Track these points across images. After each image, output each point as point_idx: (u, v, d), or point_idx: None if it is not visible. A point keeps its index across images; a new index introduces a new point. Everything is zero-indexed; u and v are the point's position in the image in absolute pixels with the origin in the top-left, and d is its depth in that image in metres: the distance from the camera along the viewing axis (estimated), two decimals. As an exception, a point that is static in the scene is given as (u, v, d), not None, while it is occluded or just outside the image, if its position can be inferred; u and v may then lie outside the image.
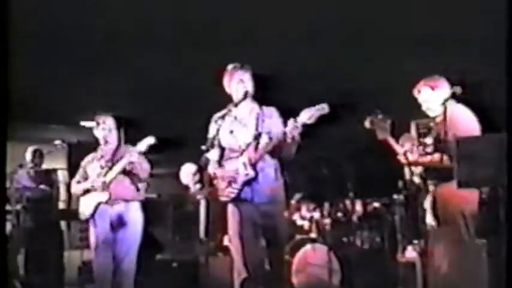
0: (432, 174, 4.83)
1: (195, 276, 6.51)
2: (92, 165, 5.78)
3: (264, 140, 4.74)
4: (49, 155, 7.52)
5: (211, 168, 4.91)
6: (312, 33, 5.87)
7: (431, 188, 4.89)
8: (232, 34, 5.88)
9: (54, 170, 8.01)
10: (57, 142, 6.66)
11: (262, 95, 4.96)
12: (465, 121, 4.82)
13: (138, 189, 5.77)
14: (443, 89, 4.96)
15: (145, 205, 5.94)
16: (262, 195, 4.74)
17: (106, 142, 5.78)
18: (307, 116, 4.44)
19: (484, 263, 5.35)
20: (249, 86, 4.88)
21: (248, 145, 4.80)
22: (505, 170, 4.11)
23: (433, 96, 4.97)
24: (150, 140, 5.50)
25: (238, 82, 4.87)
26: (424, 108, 5.03)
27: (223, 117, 4.84)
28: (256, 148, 4.75)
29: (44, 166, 7.84)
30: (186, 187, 7.83)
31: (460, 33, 5.78)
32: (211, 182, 4.95)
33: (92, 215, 5.63)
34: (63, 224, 8.38)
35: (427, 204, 4.93)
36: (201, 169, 5.30)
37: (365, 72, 6.84)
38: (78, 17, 5.36)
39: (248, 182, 4.75)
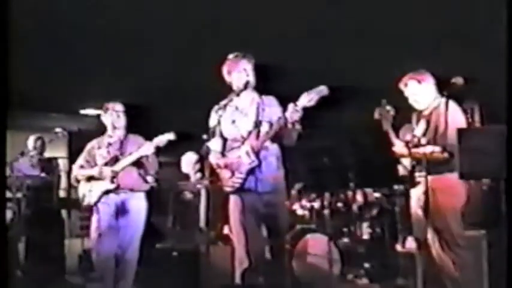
0: (424, 167, 4.82)
1: (195, 265, 6.49)
2: (99, 151, 5.75)
3: (264, 127, 4.74)
4: (50, 143, 7.51)
5: (214, 159, 4.88)
6: (315, 28, 5.86)
7: (421, 180, 4.90)
8: (233, 27, 5.87)
9: (55, 159, 8.01)
10: (58, 130, 6.64)
11: (263, 86, 4.96)
12: (461, 117, 4.89)
13: (146, 181, 5.77)
14: (429, 82, 5.05)
15: (147, 194, 5.94)
16: (265, 184, 4.73)
17: (114, 128, 5.77)
18: (307, 99, 4.45)
19: (484, 254, 5.37)
20: (251, 75, 4.88)
21: (249, 133, 4.80)
22: (505, 162, 4.11)
23: (420, 89, 5.06)
24: (170, 136, 5.48)
25: (240, 71, 4.86)
26: (411, 101, 5.12)
27: (224, 107, 4.83)
28: (257, 136, 4.75)
29: (46, 154, 7.84)
30: (187, 176, 7.88)
31: (459, 30, 5.78)
32: (213, 172, 4.92)
33: (96, 203, 5.63)
34: (63, 212, 8.38)
35: (415, 196, 4.98)
36: (202, 158, 5.30)
37: (367, 65, 6.84)
38: (80, 8, 5.35)
39: (252, 171, 4.73)
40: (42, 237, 7.38)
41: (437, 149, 4.76)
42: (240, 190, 4.77)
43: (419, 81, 5.05)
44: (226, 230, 6.77)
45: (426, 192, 4.65)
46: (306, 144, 5.17)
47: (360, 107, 5.03)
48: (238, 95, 4.82)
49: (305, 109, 4.50)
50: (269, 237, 4.93)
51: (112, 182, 5.55)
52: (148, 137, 5.65)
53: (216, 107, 4.87)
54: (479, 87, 5.79)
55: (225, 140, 4.94)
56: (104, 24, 5.71)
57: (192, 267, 6.55)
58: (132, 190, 5.69)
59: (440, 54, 6.27)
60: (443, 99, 4.87)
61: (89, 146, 5.88)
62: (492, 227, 5.58)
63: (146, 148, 5.49)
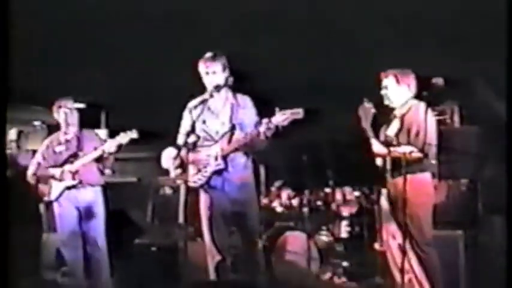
0: (399, 167, 4.84)
1: (174, 260, 6.50)
2: (58, 148, 5.78)
3: (237, 134, 4.93)
4: (28, 135, 7.47)
5: (183, 153, 5.07)
6: (297, 27, 5.87)
7: (390, 180, 4.94)
8: (212, 25, 5.86)
9: (34, 151, 7.94)
10: (37, 123, 6.63)
11: (240, 85, 5.00)
12: (432, 117, 4.92)
13: (102, 173, 5.81)
14: (408, 86, 5.03)
15: (125, 189, 5.96)
16: (232, 183, 4.97)
17: (68, 125, 5.79)
18: (282, 118, 4.62)
19: (460, 254, 5.40)
20: (220, 78, 4.97)
21: (222, 136, 4.98)
22: (483, 163, 4.16)
23: (395, 88, 5.06)
24: (133, 134, 5.50)
25: (210, 73, 4.97)
26: (382, 93, 5.12)
27: (197, 106, 5.00)
28: (229, 140, 4.94)
29: (24, 147, 7.78)
30: (167, 171, 7.85)
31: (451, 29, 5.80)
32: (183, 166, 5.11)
33: (57, 198, 5.68)
34: (41, 206, 8.31)
35: (383, 196, 5.01)
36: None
37: (349, 64, 6.84)
38: (66, 4, 5.32)
39: (218, 172, 4.96)
40: (20, 231, 7.32)
41: (415, 149, 4.78)
42: (204, 187, 5.00)
43: (398, 81, 5.04)
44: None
45: (404, 192, 4.68)
46: (286, 141, 5.20)
47: (340, 105, 5.03)
48: (211, 95, 4.95)
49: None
50: (240, 234, 5.15)
51: (73, 178, 5.60)
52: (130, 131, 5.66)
53: (190, 105, 4.97)
54: (460, 88, 5.81)
55: (198, 137, 5.08)
56: (86, 19, 5.68)
57: (171, 262, 6.55)
58: (91, 185, 5.76)
59: (423, 53, 6.27)
60: (417, 102, 4.90)
61: (45, 142, 5.94)
62: (469, 227, 5.62)
63: (109, 145, 5.53)
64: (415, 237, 4.83)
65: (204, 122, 5.06)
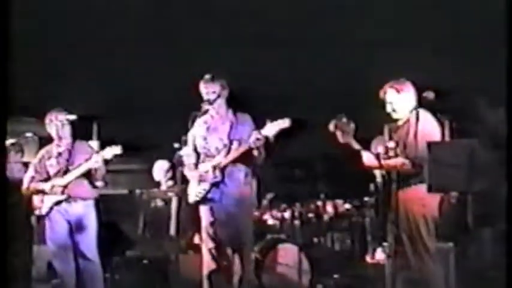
0: (394, 178, 4.87)
1: (165, 273, 6.49)
2: (49, 162, 5.77)
3: (234, 146, 5.21)
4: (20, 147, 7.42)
5: (187, 169, 5.37)
6: (289, 38, 5.90)
7: (400, 192, 4.94)
8: (202, 39, 5.90)
9: (25, 164, 7.92)
10: (28, 135, 6.61)
11: (237, 101, 5.32)
12: (432, 129, 4.91)
13: (94, 186, 5.79)
14: (409, 92, 5.03)
15: (116, 201, 5.95)
16: (229, 197, 5.23)
17: (60, 138, 5.78)
18: (270, 129, 4.95)
19: (451, 267, 5.42)
20: (219, 102, 5.29)
21: (220, 151, 5.28)
22: (472, 176, 4.18)
23: (398, 99, 5.04)
24: (116, 150, 5.51)
25: (212, 93, 5.25)
26: (389, 109, 5.10)
27: (197, 122, 5.32)
28: (227, 153, 5.22)
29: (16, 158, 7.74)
30: (158, 183, 7.85)
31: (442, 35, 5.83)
32: (185, 179, 5.41)
33: (48, 213, 5.67)
34: (33, 218, 8.28)
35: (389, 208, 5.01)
36: (174, 166, 5.55)
37: (340, 74, 6.88)
38: (57, 16, 5.33)
39: (216, 184, 5.23)
40: (11, 243, 7.29)
41: (407, 161, 4.80)
42: (204, 200, 5.29)
43: (397, 91, 5.03)
44: (196, 239, 6.79)
45: (396, 204, 4.71)
46: (278, 154, 5.27)
47: (332, 118, 5.05)
48: (205, 111, 5.32)
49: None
50: (232, 247, 5.36)
51: (62, 193, 5.59)
52: (122, 143, 5.67)
53: (192, 118, 5.09)
54: (451, 101, 5.85)
55: (198, 153, 5.41)
56: (78, 30, 5.70)
57: (162, 275, 6.54)
58: (83, 199, 5.73)
59: (417, 62, 6.30)
60: (415, 110, 4.92)
61: (38, 155, 5.92)
62: (459, 240, 5.64)
63: (94, 161, 5.53)
64: (417, 248, 4.83)
65: (205, 139, 5.37)
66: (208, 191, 5.28)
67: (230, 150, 5.21)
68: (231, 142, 5.24)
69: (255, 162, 5.29)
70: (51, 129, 5.82)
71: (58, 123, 5.77)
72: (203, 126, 5.40)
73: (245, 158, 5.19)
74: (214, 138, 5.35)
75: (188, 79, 5.32)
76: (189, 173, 5.38)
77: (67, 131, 5.83)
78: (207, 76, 5.31)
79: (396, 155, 4.85)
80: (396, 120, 5.09)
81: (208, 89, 5.27)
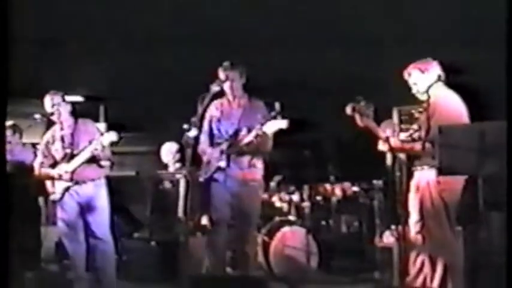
0: (415, 161, 4.85)
1: (173, 254, 6.50)
2: (54, 146, 5.75)
3: (243, 132, 5.34)
4: (28, 129, 7.42)
5: (200, 148, 5.53)
6: (298, 27, 5.88)
7: (414, 174, 4.91)
8: (209, 23, 5.88)
9: (34, 145, 7.92)
10: (37, 116, 6.59)
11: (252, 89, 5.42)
12: (449, 108, 4.81)
13: (101, 166, 5.77)
14: (434, 72, 4.94)
15: (124, 183, 5.94)
16: (233, 180, 5.39)
17: (60, 121, 5.75)
18: (270, 127, 5.07)
19: (460, 251, 5.40)
20: (236, 85, 5.43)
21: (230, 136, 5.42)
22: (482, 159, 4.15)
23: (423, 79, 4.95)
24: (112, 137, 5.48)
25: (228, 81, 5.35)
26: (414, 91, 5.02)
27: (215, 102, 5.45)
28: (236, 140, 5.37)
29: (24, 140, 7.74)
30: (166, 165, 7.85)
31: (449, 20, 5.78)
32: (194, 161, 5.37)
33: (61, 198, 5.67)
34: (40, 199, 8.31)
35: (412, 190, 4.94)
36: (183, 148, 5.55)
37: (349, 58, 6.84)
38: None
39: (221, 168, 5.39)
40: (19, 224, 7.31)
41: (418, 146, 4.77)
42: (209, 182, 5.46)
43: (422, 71, 4.93)
44: (204, 221, 6.78)
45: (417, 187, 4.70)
46: (287, 136, 5.27)
47: (343, 100, 5.01)
48: (228, 100, 5.51)
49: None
50: (239, 228, 5.51)
51: (71, 179, 5.59)
52: (129, 125, 5.67)
53: (201, 99, 5.09)
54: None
55: (212, 135, 5.56)
56: (87, 14, 5.66)
57: (171, 256, 6.56)
58: (93, 180, 5.72)
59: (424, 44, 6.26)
60: (436, 90, 4.86)
61: (44, 140, 5.89)
62: (469, 224, 5.62)
63: (94, 146, 5.48)
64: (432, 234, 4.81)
65: (219, 120, 5.53)
66: (213, 173, 5.43)
67: (239, 137, 5.36)
68: (240, 129, 5.38)
69: (263, 149, 5.43)
70: (51, 112, 5.77)
71: (56, 106, 5.72)
72: (218, 108, 5.54)
73: (251, 146, 5.31)
74: (226, 122, 5.49)
75: (198, 60, 5.30)
76: (201, 155, 5.54)
77: (67, 113, 5.79)
78: (226, 63, 5.40)
79: (419, 138, 4.79)
80: (419, 101, 5.00)
81: (227, 77, 5.36)
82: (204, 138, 5.55)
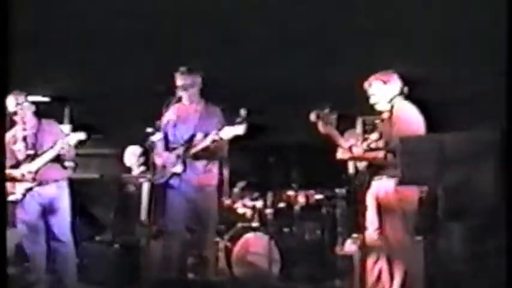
0: (375, 171, 4.92)
1: (136, 258, 6.48)
2: (16, 146, 5.69)
3: (198, 137, 5.37)
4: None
5: (155, 155, 5.48)
6: (259, 30, 5.89)
7: (373, 183, 4.98)
8: (176, 27, 5.89)
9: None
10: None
11: (210, 93, 5.43)
12: (409, 120, 4.90)
13: (64, 167, 5.74)
14: (395, 84, 5.02)
15: (87, 185, 5.90)
16: (189, 185, 5.41)
17: (23, 121, 5.69)
18: (227, 133, 5.11)
19: (419, 260, 5.47)
20: (193, 91, 5.47)
21: (186, 141, 5.43)
22: (442, 170, 4.22)
23: (384, 90, 5.03)
24: (80, 136, 5.46)
25: (184, 86, 5.41)
26: (372, 101, 5.09)
27: (170, 110, 5.47)
28: (191, 145, 5.38)
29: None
30: (130, 169, 7.82)
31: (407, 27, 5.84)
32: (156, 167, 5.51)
33: (22, 199, 5.61)
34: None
35: (369, 200, 5.01)
36: (147, 152, 5.59)
37: (316, 64, 6.88)
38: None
39: (177, 173, 5.41)
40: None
41: (380, 155, 4.82)
42: (164, 186, 5.48)
43: (384, 82, 5.01)
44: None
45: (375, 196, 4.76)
46: (252, 142, 5.30)
47: (307, 108, 5.05)
48: (184, 105, 5.52)
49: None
50: (196, 233, 5.57)
51: (34, 179, 5.54)
52: (94, 127, 5.65)
53: (167, 103, 5.38)
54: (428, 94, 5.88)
55: (167, 139, 5.56)
56: (51, 14, 5.62)
57: (133, 260, 6.53)
58: (55, 181, 5.69)
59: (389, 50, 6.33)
60: (398, 102, 4.93)
61: (6, 140, 5.82)
62: (428, 234, 5.69)
63: (59, 146, 5.45)
64: (390, 242, 4.88)
65: (175, 125, 5.52)
66: (169, 178, 5.45)
67: (194, 142, 5.39)
68: (196, 134, 5.41)
69: (219, 155, 5.50)
70: (13, 111, 5.70)
71: (19, 106, 5.66)
72: (175, 113, 5.55)
73: (207, 150, 5.35)
74: (182, 127, 5.51)
75: (163, 64, 5.30)
76: (157, 159, 5.51)
77: (30, 113, 5.73)
78: (183, 68, 5.45)
79: (378, 148, 4.85)
80: (379, 112, 5.08)
81: (184, 81, 5.42)
82: (159, 142, 5.54)
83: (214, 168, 5.56)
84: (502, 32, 4.25)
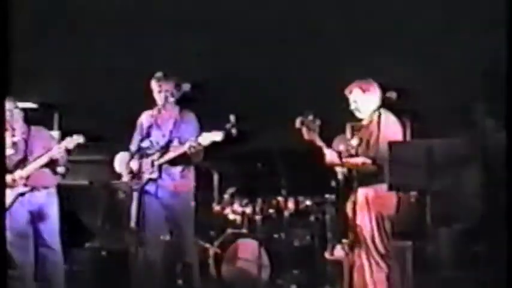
0: (355, 177, 4.96)
1: (124, 265, 6.46)
2: (5, 152, 5.66)
3: (174, 144, 5.45)
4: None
5: (132, 161, 5.60)
6: (247, 38, 5.91)
7: (359, 189, 5.01)
8: (165, 34, 5.90)
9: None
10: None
11: (197, 100, 5.57)
12: (391, 128, 5.01)
13: (55, 173, 5.72)
14: (374, 93, 5.10)
15: (76, 192, 5.89)
16: (165, 190, 5.50)
17: (13, 127, 5.67)
18: (205, 139, 5.17)
19: (409, 265, 5.50)
20: (169, 96, 5.45)
21: (161, 147, 5.49)
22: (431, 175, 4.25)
23: (362, 98, 5.13)
24: (79, 139, 5.46)
25: (160, 92, 5.45)
26: (352, 108, 5.18)
27: (146, 113, 5.59)
28: (165, 152, 5.44)
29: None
30: (119, 175, 7.79)
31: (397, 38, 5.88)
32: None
33: (10, 205, 5.57)
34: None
35: (348, 206, 5.08)
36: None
37: (305, 70, 6.90)
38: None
39: (152, 179, 5.47)
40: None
41: (368, 160, 4.87)
42: (140, 192, 5.47)
43: (363, 90, 5.11)
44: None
45: (354, 202, 4.79)
46: (240, 148, 5.32)
47: (296, 114, 5.08)
48: (159, 111, 5.53)
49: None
50: (174, 238, 5.67)
51: (25, 185, 5.52)
52: (83, 134, 5.63)
53: (142, 115, 5.57)
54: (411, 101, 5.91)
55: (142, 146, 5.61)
56: (41, 19, 5.62)
57: (122, 267, 6.50)
58: (45, 187, 5.68)
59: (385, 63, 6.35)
60: (381, 111, 4.99)
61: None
62: (417, 239, 5.72)
63: (55, 151, 5.45)
64: (369, 248, 4.92)
65: (149, 133, 5.55)
66: (145, 184, 5.48)
67: (169, 148, 5.44)
68: (171, 140, 5.47)
69: (194, 161, 5.52)
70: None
71: (8, 112, 5.63)
72: (150, 119, 5.59)
73: (183, 156, 5.38)
74: (157, 133, 5.55)
75: (153, 71, 5.32)
76: (133, 165, 5.56)
77: (19, 119, 5.71)
78: (159, 74, 5.49)
79: (357, 154, 4.92)
80: (360, 119, 5.16)
81: (160, 88, 5.46)
82: (134, 148, 5.62)
83: (190, 173, 5.62)
84: (490, 41, 4.29)
